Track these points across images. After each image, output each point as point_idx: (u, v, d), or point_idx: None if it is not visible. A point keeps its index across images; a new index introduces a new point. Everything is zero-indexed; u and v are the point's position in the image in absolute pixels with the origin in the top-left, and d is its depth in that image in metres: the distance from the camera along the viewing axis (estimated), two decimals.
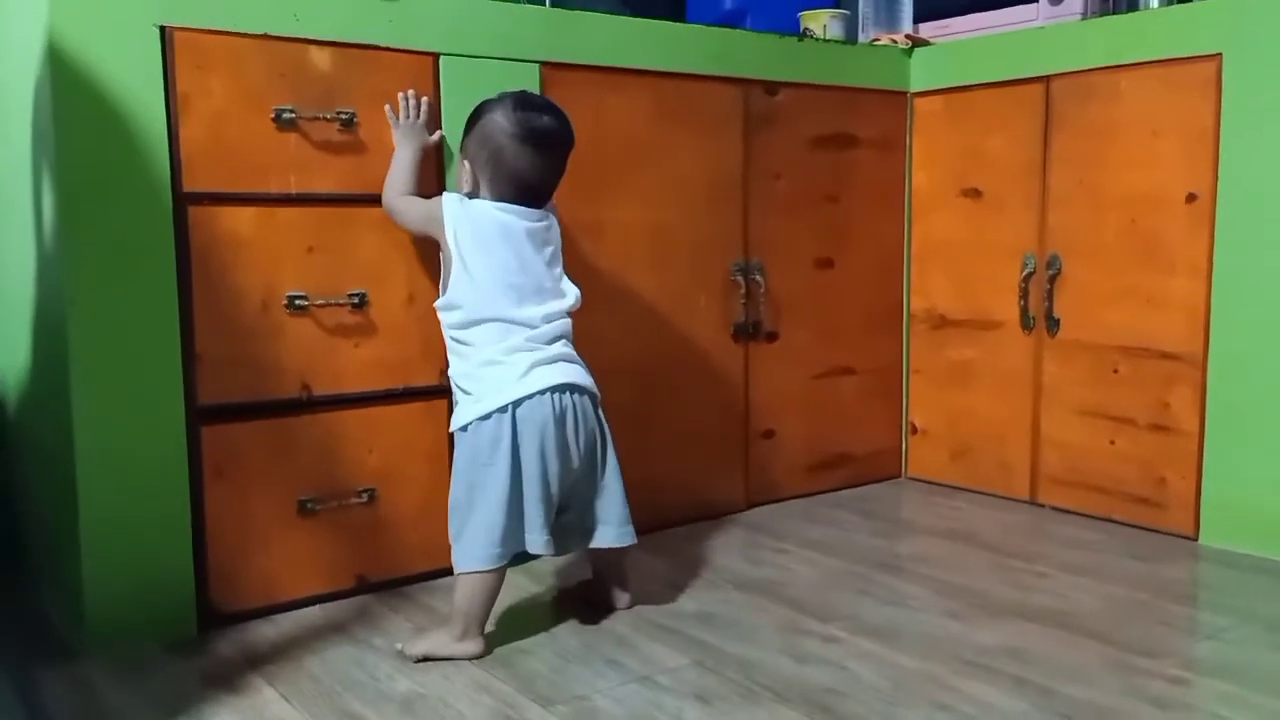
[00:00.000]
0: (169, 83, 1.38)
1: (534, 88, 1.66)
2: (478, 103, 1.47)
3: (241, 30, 1.43)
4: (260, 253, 1.46)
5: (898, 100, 2.19)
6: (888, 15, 2.27)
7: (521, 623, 1.48)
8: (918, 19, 2.27)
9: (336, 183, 1.52)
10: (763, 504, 2.06)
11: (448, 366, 1.46)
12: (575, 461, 1.41)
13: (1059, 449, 2.00)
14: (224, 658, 1.38)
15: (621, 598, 1.53)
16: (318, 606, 1.54)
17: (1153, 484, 1.86)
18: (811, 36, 2.16)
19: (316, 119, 1.49)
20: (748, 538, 1.88)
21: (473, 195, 1.45)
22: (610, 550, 1.48)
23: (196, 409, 1.43)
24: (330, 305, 1.51)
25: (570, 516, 1.46)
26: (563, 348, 1.43)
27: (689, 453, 1.94)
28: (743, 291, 1.98)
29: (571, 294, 1.46)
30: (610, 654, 1.38)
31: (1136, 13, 1.95)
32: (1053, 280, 1.97)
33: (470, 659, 1.36)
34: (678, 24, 1.88)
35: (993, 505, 2.07)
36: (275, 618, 1.50)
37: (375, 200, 1.53)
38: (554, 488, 1.39)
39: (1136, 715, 1.20)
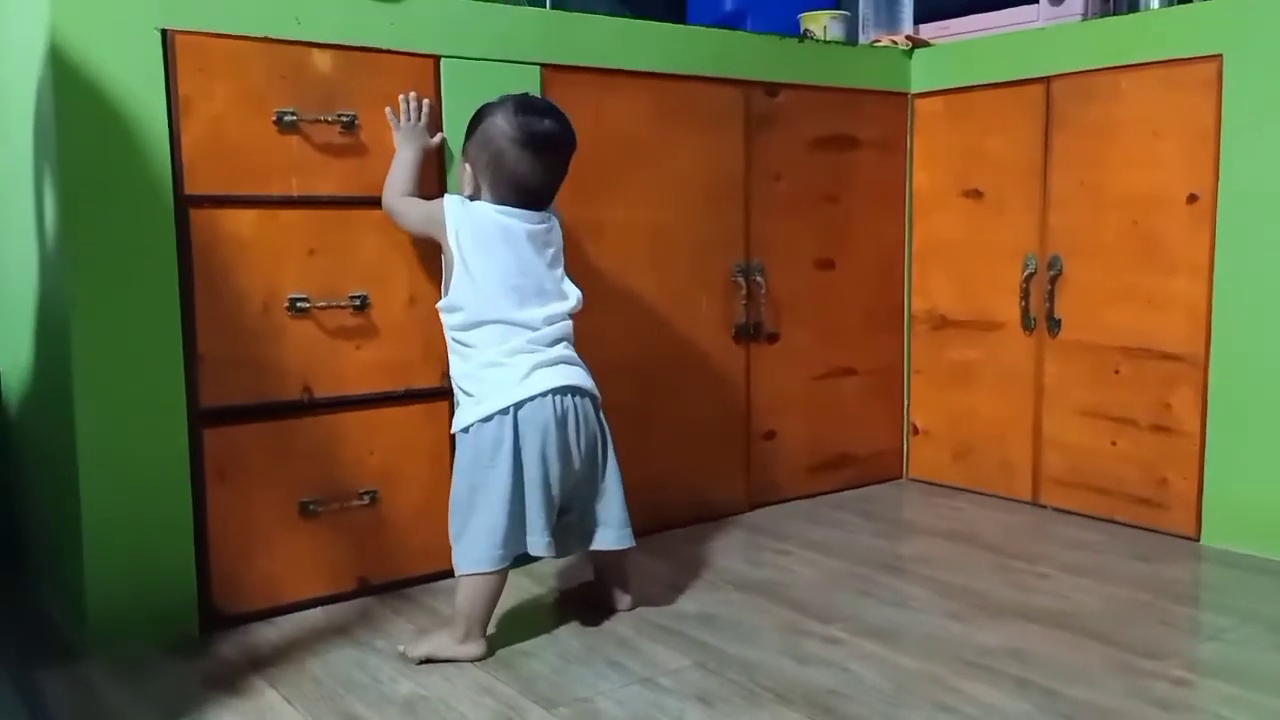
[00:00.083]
0: (170, 85, 1.39)
1: (534, 89, 1.66)
2: (479, 106, 1.47)
3: (243, 33, 1.43)
4: (262, 255, 1.46)
5: (898, 101, 2.19)
6: (888, 16, 2.27)
7: (523, 624, 1.48)
8: (918, 20, 2.27)
9: (338, 185, 1.52)
10: (764, 505, 2.06)
11: (449, 368, 1.46)
12: (576, 463, 1.41)
13: (1060, 449, 2.00)
14: (226, 659, 1.38)
15: (623, 600, 1.53)
16: (319, 608, 1.54)
17: (1154, 484, 1.86)
18: (812, 38, 2.16)
19: (318, 121, 1.49)
20: (749, 539, 1.88)
21: (474, 198, 1.45)
22: (611, 552, 1.48)
23: (198, 411, 1.43)
24: (332, 307, 1.52)
25: (571, 518, 1.46)
26: (564, 350, 1.43)
27: (690, 454, 1.94)
28: (743, 292, 1.98)
29: (573, 296, 1.47)
30: (612, 656, 1.38)
31: (1137, 13, 1.95)
32: (1054, 281, 1.97)
33: (472, 661, 1.36)
34: (678, 25, 1.88)
35: (994, 506, 2.07)
36: (277, 619, 1.50)
37: (376, 202, 1.53)
38: (555, 490, 1.39)
39: (1139, 716, 1.20)
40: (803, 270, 2.07)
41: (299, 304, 1.49)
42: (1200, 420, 1.78)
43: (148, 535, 1.40)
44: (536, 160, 1.42)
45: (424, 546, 1.61)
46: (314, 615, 1.52)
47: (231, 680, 1.31)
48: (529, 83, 1.66)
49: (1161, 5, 1.95)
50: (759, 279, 1.99)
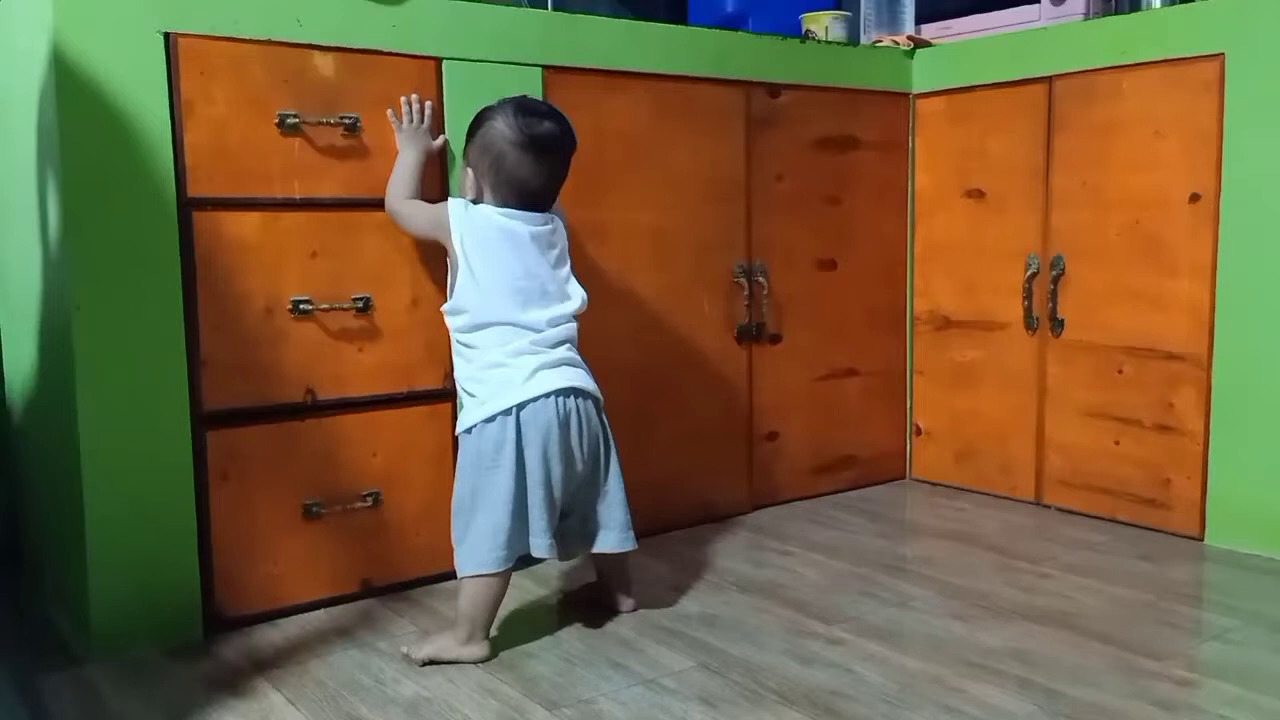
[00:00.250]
0: (173, 88, 1.39)
1: (536, 91, 1.66)
2: (479, 109, 1.47)
3: (245, 36, 1.43)
4: (264, 257, 1.46)
5: (900, 101, 2.19)
6: (889, 16, 2.27)
7: (526, 626, 1.48)
8: (919, 20, 2.27)
9: (340, 187, 1.52)
10: (766, 506, 2.06)
11: (453, 370, 1.46)
12: (579, 465, 1.41)
13: (1063, 450, 2.00)
14: (229, 662, 1.38)
15: (625, 602, 1.53)
16: (323, 610, 1.54)
17: (1158, 484, 1.86)
18: (813, 38, 2.16)
19: (320, 124, 1.49)
20: (752, 540, 1.88)
21: (476, 201, 1.45)
22: (613, 554, 1.48)
23: (201, 414, 1.43)
24: (334, 309, 1.52)
25: (573, 521, 1.46)
26: (567, 352, 1.43)
27: (692, 455, 1.94)
28: (746, 293, 1.98)
29: (577, 297, 1.47)
30: (615, 657, 1.38)
31: (1139, 13, 1.95)
32: (1056, 281, 1.97)
33: (475, 662, 1.36)
34: (679, 26, 1.89)
35: (997, 506, 2.06)
36: (280, 622, 1.50)
37: (379, 204, 1.53)
38: (557, 491, 1.39)
39: (1142, 717, 1.20)
40: (805, 271, 2.07)
41: (301, 306, 1.49)
42: (1204, 420, 1.78)
43: (151, 538, 1.40)
44: (537, 162, 1.42)
45: (427, 548, 1.61)
46: (317, 617, 1.52)
47: (235, 682, 1.31)
48: (530, 84, 1.66)
49: (1163, 4, 1.95)
50: (761, 280, 1.99)
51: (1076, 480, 1.98)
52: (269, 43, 1.45)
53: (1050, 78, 1.96)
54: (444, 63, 1.59)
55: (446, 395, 1.59)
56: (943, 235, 2.18)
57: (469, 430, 1.39)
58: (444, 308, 1.45)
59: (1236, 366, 1.74)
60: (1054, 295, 1.98)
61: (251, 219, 1.45)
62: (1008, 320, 2.07)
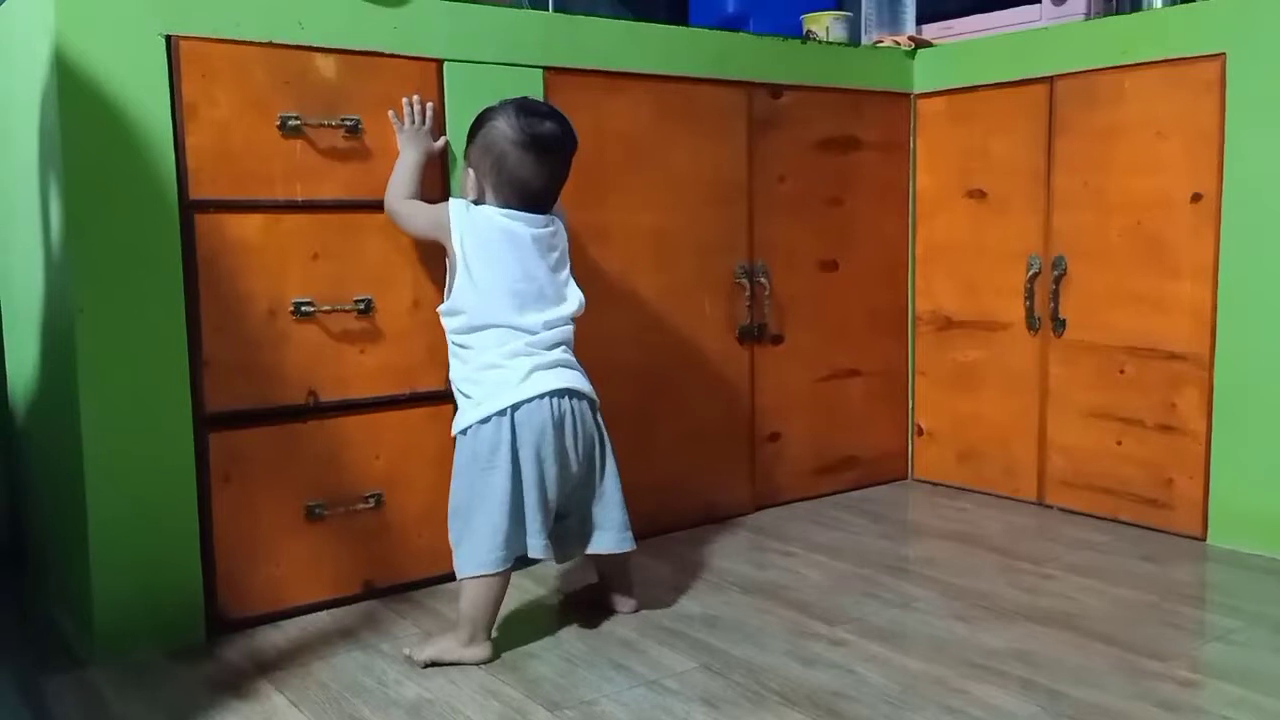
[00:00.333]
0: (175, 91, 1.39)
1: (537, 93, 1.66)
2: (480, 110, 1.47)
3: (246, 38, 1.43)
4: (266, 259, 1.46)
5: (901, 102, 2.19)
6: (890, 17, 2.27)
7: (528, 627, 1.48)
8: (920, 20, 2.27)
9: (342, 189, 1.52)
10: (768, 507, 2.06)
11: (449, 371, 1.46)
12: (574, 466, 1.41)
13: (1066, 450, 2.00)
14: (232, 664, 1.38)
15: (626, 603, 1.53)
16: (325, 612, 1.54)
17: (1160, 485, 1.86)
18: (814, 39, 2.16)
19: (322, 126, 1.49)
20: (753, 541, 1.88)
21: (478, 202, 1.45)
22: (613, 556, 1.48)
23: (204, 416, 1.43)
24: (336, 311, 1.52)
25: (570, 522, 1.46)
26: (562, 354, 1.43)
27: (694, 456, 1.94)
28: (747, 294, 1.98)
29: (574, 300, 1.47)
30: (617, 658, 1.38)
31: (1140, 13, 1.95)
32: (1058, 281, 1.97)
33: (478, 664, 1.36)
34: (680, 27, 1.89)
35: (1000, 507, 2.06)
36: (283, 624, 1.50)
37: (380, 206, 1.53)
38: (551, 492, 1.39)
39: (1145, 718, 1.19)
40: (807, 272, 2.07)
41: (303, 308, 1.49)
42: (1206, 420, 1.78)
43: (153, 539, 1.40)
44: (539, 162, 1.42)
45: (429, 549, 1.61)
46: (319, 619, 1.52)
47: (237, 685, 1.31)
48: (532, 86, 1.66)
49: (1164, 4, 1.95)
50: (763, 280, 1.99)
51: (1079, 480, 1.98)
52: (270, 45, 1.45)
53: (1051, 78, 1.96)
54: (445, 64, 1.59)
55: (448, 397, 1.59)
56: (944, 235, 2.18)
57: (464, 431, 1.39)
58: (440, 308, 1.45)
59: (1238, 366, 1.74)
60: (1056, 295, 1.98)
61: (253, 221, 1.45)
62: (1009, 321, 2.07)
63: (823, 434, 2.13)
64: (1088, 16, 2.00)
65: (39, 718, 1.25)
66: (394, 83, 1.55)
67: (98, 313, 1.35)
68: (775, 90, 1.98)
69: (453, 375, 1.45)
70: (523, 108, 1.43)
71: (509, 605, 1.47)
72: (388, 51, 1.54)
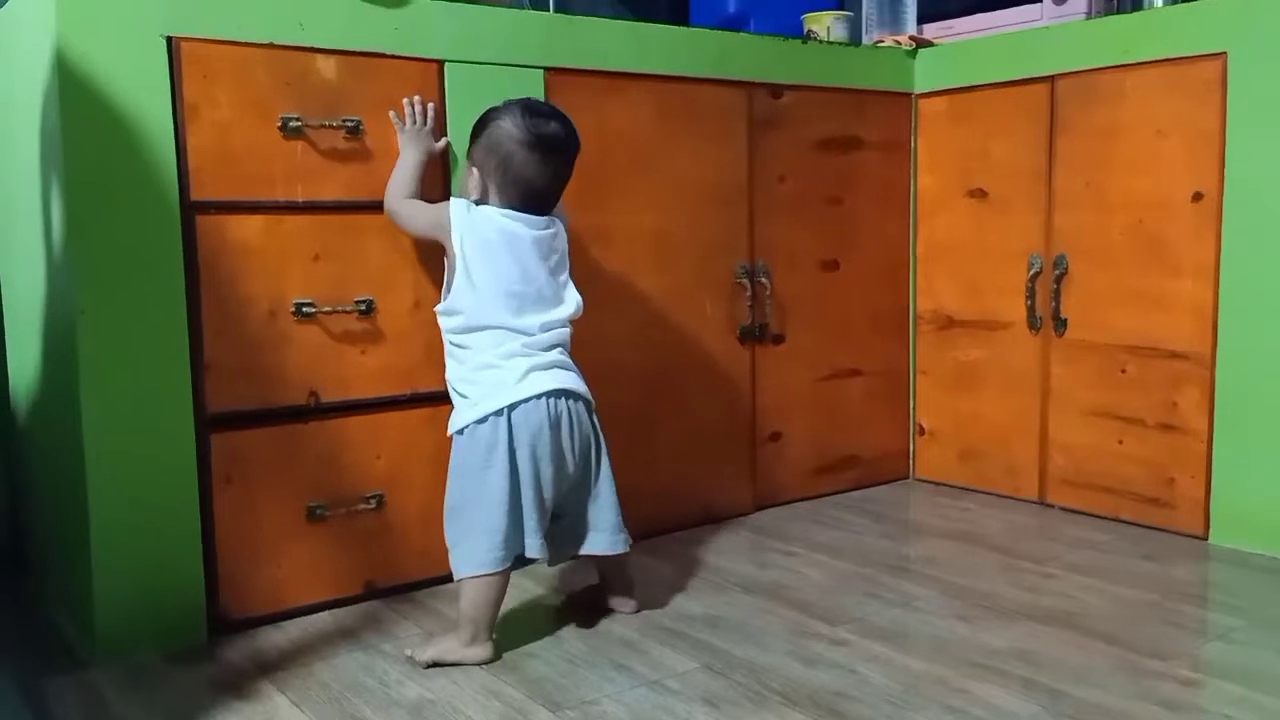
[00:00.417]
0: (176, 92, 1.39)
1: (538, 93, 1.66)
2: (484, 110, 1.47)
3: (247, 40, 1.43)
4: (268, 261, 1.47)
5: (902, 102, 2.19)
6: (891, 16, 2.27)
7: (529, 627, 1.48)
8: (921, 20, 2.27)
9: (343, 190, 1.52)
10: (770, 507, 2.06)
11: (445, 371, 1.46)
12: (570, 466, 1.41)
13: (1067, 449, 2.00)
14: (233, 665, 1.38)
15: (626, 604, 1.53)
16: (327, 613, 1.54)
17: (1162, 484, 1.86)
18: (815, 39, 2.16)
19: (323, 127, 1.49)
20: (755, 541, 1.88)
21: (480, 202, 1.45)
22: (611, 557, 1.48)
23: (205, 417, 1.43)
24: (337, 312, 1.52)
25: (565, 523, 1.46)
26: (559, 355, 1.43)
27: (695, 456, 1.94)
28: (748, 294, 1.98)
29: (572, 302, 1.47)
30: (618, 658, 1.38)
31: (1141, 12, 1.95)
32: (1059, 281, 1.97)
33: (479, 664, 1.36)
34: (681, 28, 1.89)
35: (1001, 506, 2.06)
36: (284, 624, 1.50)
37: (381, 207, 1.54)
38: (547, 492, 1.39)
39: (1146, 717, 1.19)
40: (808, 272, 2.07)
41: (304, 309, 1.49)
42: (1207, 419, 1.78)
43: (155, 541, 1.40)
44: (544, 162, 1.42)
45: (430, 550, 1.61)
46: (321, 619, 1.52)
47: (239, 685, 1.32)
48: (533, 86, 1.66)
49: (1165, 4, 1.95)
50: (764, 281, 1.99)
51: (1080, 480, 1.98)
52: (271, 46, 1.45)
53: (1052, 77, 1.96)
54: (446, 65, 1.60)
55: (449, 397, 1.59)
56: (945, 235, 2.18)
57: (460, 431, 1.39)
58: (438, 308, 1.45)
59: (1240, 365, 1.73)
60: (1057, 295, 1.98)
61: (254, 222, 1.45)
62: (1011, 320, 2.07)
63: (824, 434, 2.13)
64: (1089, 16, 2.00)
65: (40, 719, 1.25)
66: (395, 83, 1.55)
67: (99, 314, 1.35)
68: (776, 90, 1.98)
69: (449, 375, 1.45)
70: (528, 108, 1.43)
71: (509, 605, 1.48)
72: (388, 52, 1.54)
